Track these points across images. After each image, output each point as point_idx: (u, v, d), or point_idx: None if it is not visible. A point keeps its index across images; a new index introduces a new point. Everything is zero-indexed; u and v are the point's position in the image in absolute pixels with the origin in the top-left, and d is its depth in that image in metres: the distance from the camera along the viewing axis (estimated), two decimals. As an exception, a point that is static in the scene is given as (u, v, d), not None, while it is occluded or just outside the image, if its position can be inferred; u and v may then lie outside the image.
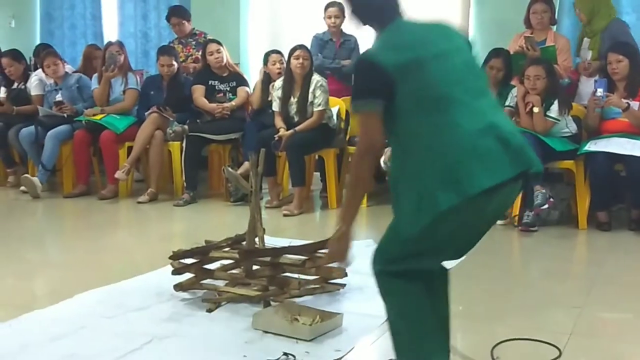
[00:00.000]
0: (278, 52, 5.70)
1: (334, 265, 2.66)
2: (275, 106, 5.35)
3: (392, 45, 2.13)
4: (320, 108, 5.22)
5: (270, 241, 3.45)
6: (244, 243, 3.28)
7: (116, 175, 5.50)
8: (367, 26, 2.24)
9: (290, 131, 5.16)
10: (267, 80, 5.63)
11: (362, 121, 2.11)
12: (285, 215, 5.05)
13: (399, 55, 2.08)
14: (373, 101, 2.08)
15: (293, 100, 5.29)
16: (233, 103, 5.67)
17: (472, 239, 2.20)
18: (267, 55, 5.70)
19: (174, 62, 5.79)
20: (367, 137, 2.10)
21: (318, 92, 5.22)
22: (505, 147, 2.02)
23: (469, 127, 2.02)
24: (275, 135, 5.15)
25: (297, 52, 5.24)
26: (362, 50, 6.00)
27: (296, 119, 5.28)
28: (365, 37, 6.26)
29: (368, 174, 2.16)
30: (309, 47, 5.95)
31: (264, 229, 3.26)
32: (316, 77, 5.27)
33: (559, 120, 4.67)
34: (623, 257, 4.09)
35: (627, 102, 4.57)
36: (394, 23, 2.19)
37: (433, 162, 2.02)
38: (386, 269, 2.17)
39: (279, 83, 5.37)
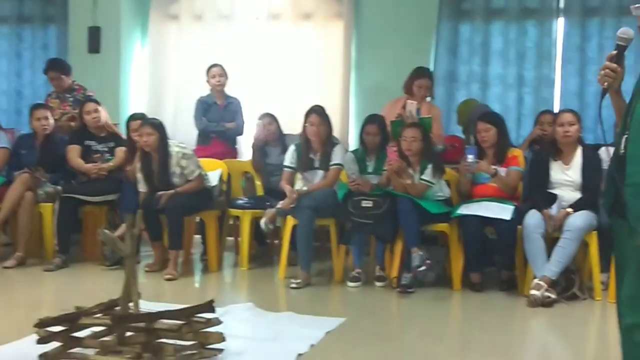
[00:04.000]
0: (137, 117, 5.48)
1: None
2: (141, 187, 5.17)
3: None
4: (195, 174, 5.14)
5: (147, 306, 3.32)
6: (117, 309, 3.14)
7: (-20, 239, 5.17)
8: None
9: (171, 191, 5.06)
10: (133, 147, 5.49)
11: None
12: (167, 279, 4.91)
13: None
14: None
15: (155, 176, 5.12)
16: (110, 164, 5.52)
17: None
18: (127, 121, 5.52)
19: (50, 117, 5.60)
20: None
21: (184, 162, 5.11)
22: None
23: None
24: (158, 193, 5.03)
25: (140, 129, 5.06)
26: (245, 112, 6.12)
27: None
28: (248, 99, 6.38)
29: None
30: (194, 109, 5.95)
31: (139, 294, 3.14)
32: (174, 149, 5.12)
33: (433, 183, 4.86)
34: (494, 316, 4.25)
35: (495, 168, 4.83)
36: None
37: None
38: None
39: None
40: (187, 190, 5.11)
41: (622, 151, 2.27)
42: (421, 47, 6.28)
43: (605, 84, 2.35)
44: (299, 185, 5.15)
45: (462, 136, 5.79)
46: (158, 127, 5.11)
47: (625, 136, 2.27)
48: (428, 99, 5.66)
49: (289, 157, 5.19)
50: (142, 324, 3.01)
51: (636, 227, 2.19)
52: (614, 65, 2.33)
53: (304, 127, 5.13)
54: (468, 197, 4.92)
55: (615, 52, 2.35)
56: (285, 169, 5.21)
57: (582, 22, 6.02)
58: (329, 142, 5.11)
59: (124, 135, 5.81)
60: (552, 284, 4.39)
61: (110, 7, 6.80)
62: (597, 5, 6.00)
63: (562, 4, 6.10)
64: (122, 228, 4.96)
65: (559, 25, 6.12)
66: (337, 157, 5.07)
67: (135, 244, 3.22)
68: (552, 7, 6.09)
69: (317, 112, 5.13)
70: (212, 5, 6.79)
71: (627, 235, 2.27)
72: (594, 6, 6.01)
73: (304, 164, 5.12)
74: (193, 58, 6.69)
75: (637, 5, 2.32)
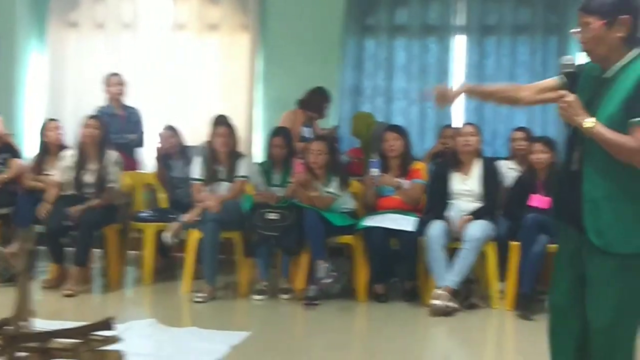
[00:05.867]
0: (54, 119, 5.53)
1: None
2: (59, 175, 5.05)
3: None
4: (111, 185, 5.03)
5: (42, 325, 3.18)
6: (9, 328, 2.98)
7: None
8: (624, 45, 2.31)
9: (84, 206, 4.88)
10: (46, 150, 5.35)
11: None
12: (66, 295, 4.72)
13: None
14: None
15: (87, 172, 5.04)
16: (4, 175, 5.28)
17: None
18: (44, 124, 5.44)
19: None
20: None
21: (113, 169, 5.05)
22: None
23: None
24: (71, 209, 4.85)
25: (85, 121, 5.09)
26: (147, 123, 5.99)
27: (89, 192, 5.01)
28: (151, 110, 6.26)
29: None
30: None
31: (33, 312, 3.00)
32: (113, 152, 5.11)
33: (339, 195, 4.90)
34: (398, 326, 4.31)
35: (399, 181, 4.92)
36: None
37: None
38: None
39: (68, 152, 5.11)
40: (99, 204, 4.95)
41: (576, 167, 2.35)
42: (327, 61, 6.35)
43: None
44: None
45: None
46: (103, 124, 5.15)
47: (577, 152, 2.35)
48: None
49: (197, 169, 5.12)
50: (35, 344, 2.87)
51: (596, 244, 2.29)
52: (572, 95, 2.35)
53: (210, 137, 5.07)
54: (373, 210, 4.99)
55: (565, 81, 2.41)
56: (194, 181, 5.13)
57: (480, 40, 6.25)
58: (235, 154, 5.07)
59: (18, 147, 5.60)
60: (453, 293, 4.50)
61: (4, 12, 6.53)
62: (494, 24, 6.25)
63: (461, 22, 6.31)
64: (16, 243, 4.76)
65: (459, 42, 6.33)
66: (242, 169, 5.04)
67: (29, 259, 3.07)
68: (451, 24, 6.30)
69: (226, 124, 5.10)
70: (115, 14, 6.62)
71: (586, 249, 2.35)
72: (491, 25, 6.25)
73: (209, 176, 5.05)
74: (94, 67, 6.50)
75: (575, 29, 2.40)
